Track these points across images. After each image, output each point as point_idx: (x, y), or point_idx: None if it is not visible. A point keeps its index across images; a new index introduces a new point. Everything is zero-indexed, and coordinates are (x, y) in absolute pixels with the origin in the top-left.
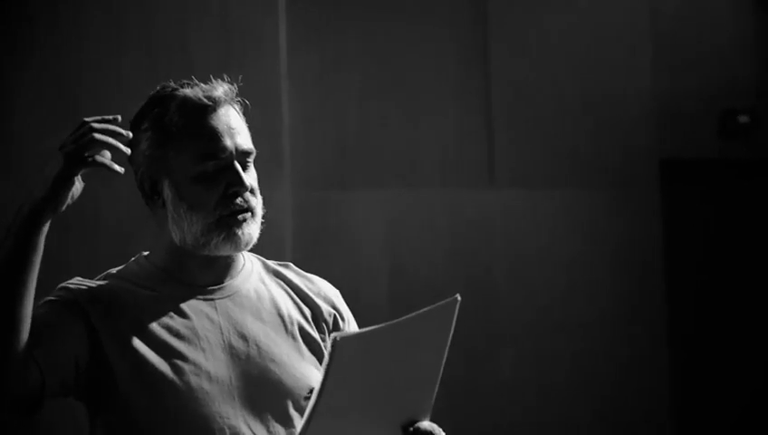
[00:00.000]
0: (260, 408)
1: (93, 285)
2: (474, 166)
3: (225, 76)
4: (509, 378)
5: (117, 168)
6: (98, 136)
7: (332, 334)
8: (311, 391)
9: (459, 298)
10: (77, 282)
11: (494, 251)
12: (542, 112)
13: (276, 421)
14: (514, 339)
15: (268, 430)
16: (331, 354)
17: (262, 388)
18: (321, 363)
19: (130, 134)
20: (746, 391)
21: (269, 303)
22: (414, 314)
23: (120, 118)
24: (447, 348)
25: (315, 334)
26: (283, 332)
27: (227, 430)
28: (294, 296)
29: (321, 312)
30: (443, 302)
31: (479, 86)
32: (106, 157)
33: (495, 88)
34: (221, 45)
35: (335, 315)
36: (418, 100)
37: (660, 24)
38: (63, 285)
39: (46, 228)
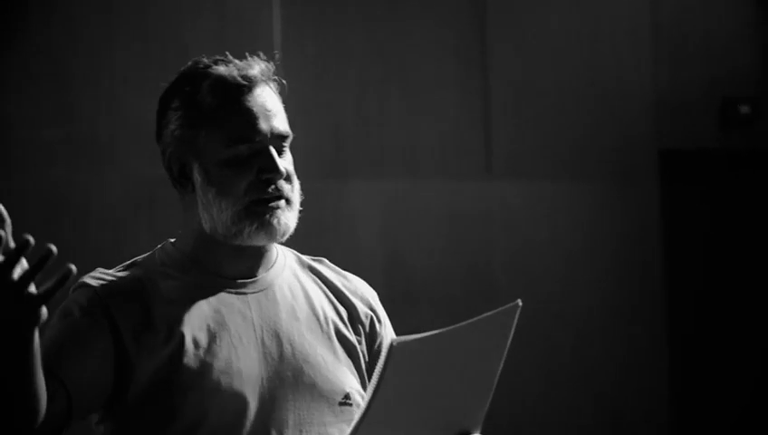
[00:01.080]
0: (292, 412)
1: (115, 278)
2: (471, 157)
3: (262, 54)
4: (507, 372)
5: (69, 273)
6: (31, 292)
7: (389, 339)
8: (346, 397)
9: (520, 304)
10: (98, 275)
11: (491, 242)
12: (540, 103)
13: (310, 427)
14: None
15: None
16: (387, 360)
17: (295, 390)
18: (355, 367)
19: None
20: (747, 390)
21: (303, 300)
22: (474, 319)
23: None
24: (504, 357)
25: (351, 336)
26: (319, 331)
27: (260, 434)
28: (330, 295)
29: (357, 312)
30: (504, 307)
31: (477, 77)
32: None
33: (493, 79)
34: (216, 37)
35: (372, 317)
36: (416, 91)
37: (660, 15)
38: (84, 281)
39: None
